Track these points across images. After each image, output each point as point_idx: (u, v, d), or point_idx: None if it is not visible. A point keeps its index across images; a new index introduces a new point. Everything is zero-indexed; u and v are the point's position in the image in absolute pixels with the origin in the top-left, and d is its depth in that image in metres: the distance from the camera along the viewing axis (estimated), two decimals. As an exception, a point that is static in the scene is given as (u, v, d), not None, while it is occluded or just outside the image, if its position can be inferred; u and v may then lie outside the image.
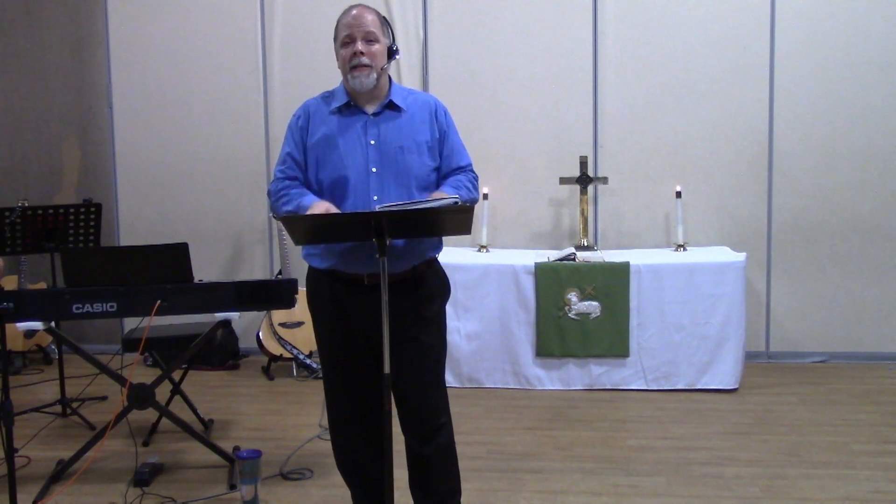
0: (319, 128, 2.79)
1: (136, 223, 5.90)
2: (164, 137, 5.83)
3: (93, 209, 4.54)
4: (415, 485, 2.95)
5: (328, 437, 3.06)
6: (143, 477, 3.63)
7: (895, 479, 3.57)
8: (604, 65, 5.46)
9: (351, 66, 2.73)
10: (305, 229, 2.68)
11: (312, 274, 2.86)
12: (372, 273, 2.67)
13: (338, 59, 2.81)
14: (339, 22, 2.79)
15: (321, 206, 2.64)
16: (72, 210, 4.48)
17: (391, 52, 2.80)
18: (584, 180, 5.34)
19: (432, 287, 2.85)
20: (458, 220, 2.58)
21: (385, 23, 2.81)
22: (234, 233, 5.86)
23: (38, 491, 3.53)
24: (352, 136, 2.74)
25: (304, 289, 2.95)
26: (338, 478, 3.10)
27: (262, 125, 5.73)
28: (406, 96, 2.84)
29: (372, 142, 2.74)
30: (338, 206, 2.70)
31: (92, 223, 4.54)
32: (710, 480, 3.59)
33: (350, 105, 2.80)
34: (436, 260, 2.90)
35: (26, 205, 4.45)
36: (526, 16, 5.49)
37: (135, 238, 5.76)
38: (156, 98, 5.82)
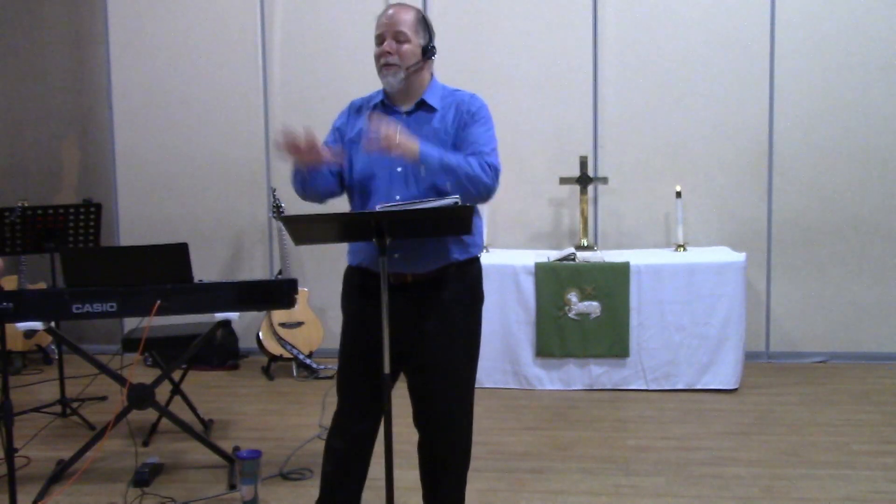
0: (357, 125, 2.79)
1: (136, 223, 5.91)
2: (164, 137, 5.84)
3: (93, 209, 4.54)
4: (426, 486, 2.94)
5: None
6: (143, 477, 3.62)
7: (895, 479, 3.57)
8: (604, 65, 5.47)
9: (380, 64, 2.73)
10: (305, 229, 2.67)
11: (347, 271, 2.88)
12: (396, 272, 2.66)
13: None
14: (377, 20, 2.78)
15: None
16: (72, 210, 4.48)
17: (427, 51, 2.75)
18: (584, 180, 5.34)
19: (455, 291, 2.75)
20: (459, 220, 2.56)
21: (422, 21, 2.76)
22: (234, 233, 5.86)
23: (38, 491, 3.52)
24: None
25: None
26: (338, 478, 3.10)
27: (262, 125, 5.73)
28: (445, 96, 2.79)
29: None
30: (365, 204, 2.72)
31: (92, 223, 4.54)
32: (710, 480, 3.59)
33: (385, 104, 2.79)
34: (469, 263, 2.79)
35: (26, 205, 4.46)
36: (526, 16, 5.49)
37: (135, 238, 5.76)
38: (156, 98, 5.83)
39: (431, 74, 2.81)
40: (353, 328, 2.82)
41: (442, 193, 2.63)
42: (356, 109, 2.84)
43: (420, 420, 2.84)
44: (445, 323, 2.74)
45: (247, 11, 5.70)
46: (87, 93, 5.94)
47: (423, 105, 2.76)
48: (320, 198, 2.81)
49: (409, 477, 2.99)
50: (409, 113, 2.75)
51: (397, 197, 2.66)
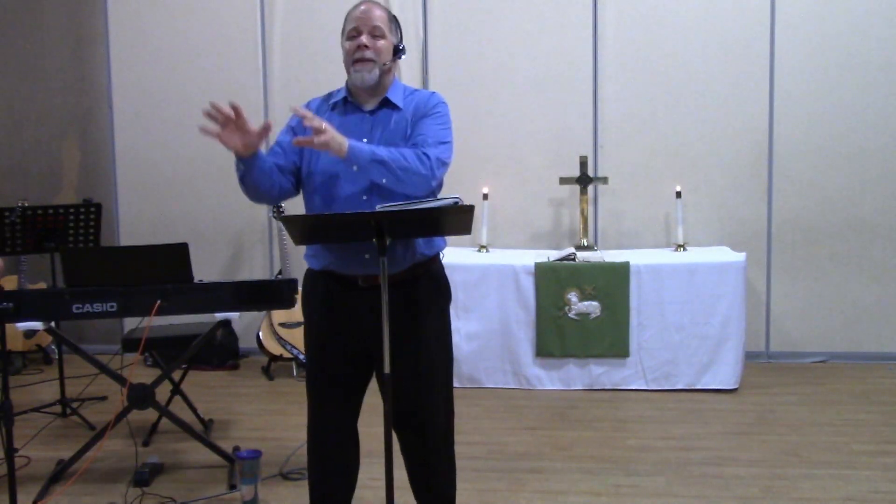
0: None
1: (136, 223, 5.91)
2: (164, 137, 5.83)
3: (93, 209, 4.54)
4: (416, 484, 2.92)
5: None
6: (143, 477, 3.63)
7: (895, 479, 3.57)
8: (604, 65, 5.47)
9: (354, 59, 2.68)
10: (305, 229, 2.66)
11: (309, 274, 2.82)
12: (367, 275, 2.63)
13: (343, 53, 2.75)
14: (347, 15, 2.75)
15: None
16: (72, 210, 4.48)
17: (397, 51, 2.74)
18: (584, 180, 5.34)
19: (427, 290, 2.75)
20: (459, 220, 2.53)
21: (394, 20, 2.76)
22: (234, 233, 5.86)
23: (38, 491, 3.52)
24: (345, 133, 2.62)
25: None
26: (338, 478, 3.10)
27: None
28: (407, 95, 2.76)
29: (364, 140, 2.66)
30: (329, 205, 2.67)
31: (92, 223, 4.54)
32: (710, 480, 3.59)
33: (348, 101, 2.75)
34: (434, 260, 2.79)
35: (26, 205, 4.45)
36: (526, 16, 5.49)
37: (135, 238, 5.76)
38: (156, 98, 5.82)
39: (395, 75, 2.78)
40: (324, 335, 2.76)
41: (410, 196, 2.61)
42: (315, 109, 2.78)
43: (404, 424, 2.76)
44: (420, 324, 2.71)
45: (247, 11, 5.70)
46: (87, 93, 5.94)
47: (387, 104, 2.72)
48: (272, 198, 2.73)
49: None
50: (372, 112, 2.72)
51: (364, 198, 2.62)
